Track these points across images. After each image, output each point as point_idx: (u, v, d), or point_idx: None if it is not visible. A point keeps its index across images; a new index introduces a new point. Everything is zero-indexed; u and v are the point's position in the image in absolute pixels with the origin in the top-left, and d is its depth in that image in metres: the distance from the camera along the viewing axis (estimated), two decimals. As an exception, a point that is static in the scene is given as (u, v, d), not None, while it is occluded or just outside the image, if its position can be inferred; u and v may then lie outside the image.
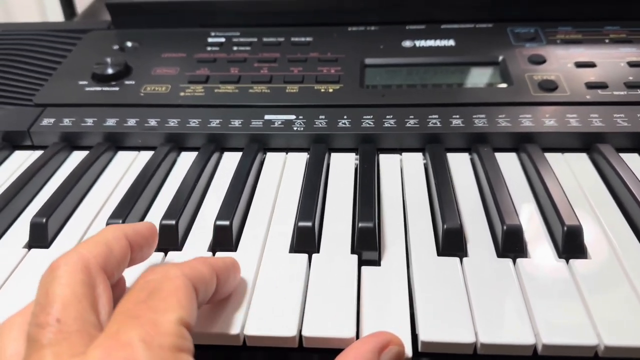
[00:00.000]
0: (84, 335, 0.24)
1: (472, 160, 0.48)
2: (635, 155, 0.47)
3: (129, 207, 0.42)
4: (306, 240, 0.38)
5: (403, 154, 0.49)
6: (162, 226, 0.40)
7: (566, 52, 0.57)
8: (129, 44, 0.64)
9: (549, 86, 0.52)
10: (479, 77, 0.56)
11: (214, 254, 0.38)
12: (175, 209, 0.41)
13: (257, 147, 0.49)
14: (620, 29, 0.60)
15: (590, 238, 0.38)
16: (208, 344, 0.32)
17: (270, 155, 0.50)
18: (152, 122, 0.52)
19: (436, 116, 0.50)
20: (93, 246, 0.28)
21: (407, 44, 0.61)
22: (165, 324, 0.23)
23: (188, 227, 0.42)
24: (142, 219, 0.43)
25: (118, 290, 0.32)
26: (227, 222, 0.39)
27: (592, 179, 0.45)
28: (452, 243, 0.37)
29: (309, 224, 0.38)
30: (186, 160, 0.50)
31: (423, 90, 0.54)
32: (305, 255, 0.37)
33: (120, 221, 0.40)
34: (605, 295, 0.33)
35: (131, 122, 0.52)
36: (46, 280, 0.26)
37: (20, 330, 0.26)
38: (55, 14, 1.44)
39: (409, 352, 0.31)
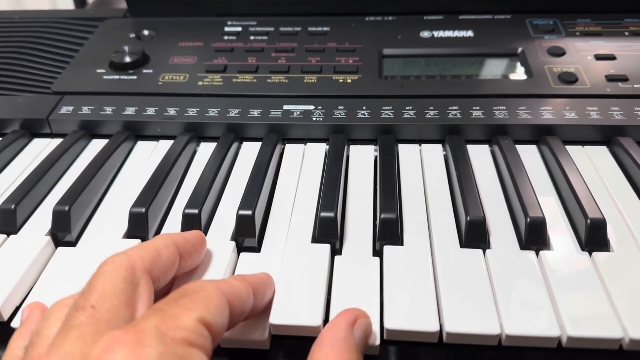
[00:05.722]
0: (112, 326, 0.25)
1: (492, 152, 0.48)
2: (657, 149, 0.47)
3: (151, 196, 0.42)
4: (329, 231, 0.38)
5: (422, 145, 0.49)
6: (185, 216, 0.40)
7: (586, 44, 0.57)
8: (146, 32, 0.64)
9: (569, 79, 0.52)
10: (498, 69, 0.56)
11: (236, 243, 0.39)
12: (197, 199, 0.41)
13: (276, 137, 0.49)
14: (641, 21, 0.60)
15: (612, 231, 0.38)
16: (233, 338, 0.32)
17: (289, 146, 0.50)
18: (172, 112, 0.52)
19: (456, 108, 0.50)
20: (142, 250, 0.29)
21: (425, 34, 0.60)
22: (184, 319, 0.24)
23: (210, 216, 0.42)
24: (165, 208, 0.43)
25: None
26: (249, 212, 0.39)
27: (614, 172, 0.45)
28: (475, 235, 0.37)
29: (332, 214, 0.38)
30: (206, 150, 0.50)
31: (442, 81, 0.54)
32: (328, 246, 0.37)
33: (144, 210, 0.40)
34: (629, 288, 0.33)
35: (150, 111, 0.52)
36: (94, 275, 0.27)
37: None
38: (65, 2, 1.44)
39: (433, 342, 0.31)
